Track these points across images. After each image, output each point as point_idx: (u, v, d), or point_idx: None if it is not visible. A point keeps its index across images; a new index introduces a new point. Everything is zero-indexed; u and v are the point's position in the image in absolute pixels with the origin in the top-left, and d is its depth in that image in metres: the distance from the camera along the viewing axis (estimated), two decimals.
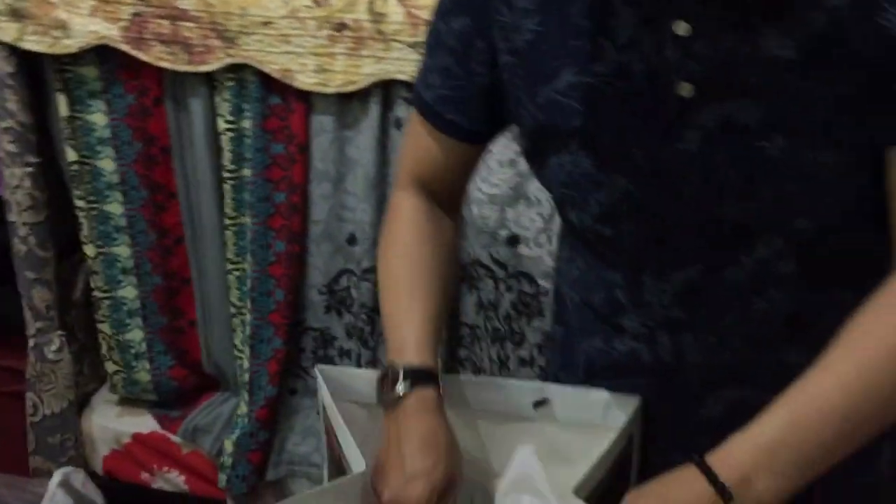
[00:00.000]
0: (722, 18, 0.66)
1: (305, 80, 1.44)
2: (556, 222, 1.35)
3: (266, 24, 1.42)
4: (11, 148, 1.55)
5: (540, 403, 0.90)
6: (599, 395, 0.87)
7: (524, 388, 0.92)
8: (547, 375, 1.02)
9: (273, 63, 1.44)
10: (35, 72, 1.56)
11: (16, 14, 1.48)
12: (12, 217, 1.58)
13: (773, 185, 0.70)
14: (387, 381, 0.79)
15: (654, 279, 0.79)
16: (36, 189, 1.58)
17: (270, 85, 1.47)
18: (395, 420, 0.78)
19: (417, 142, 0.88)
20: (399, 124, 1.46)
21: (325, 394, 0.90)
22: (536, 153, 0.81)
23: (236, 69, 1.47)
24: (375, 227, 1.51)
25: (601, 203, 0.77)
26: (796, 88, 0.66)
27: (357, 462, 0.79)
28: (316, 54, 1.43)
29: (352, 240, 1.54)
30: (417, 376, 0.78)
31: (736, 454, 0.66)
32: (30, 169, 1.56)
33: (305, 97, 1.47)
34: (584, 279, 0.87)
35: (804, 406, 0.66)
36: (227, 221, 1.57)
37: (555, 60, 0.74)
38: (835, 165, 0.68)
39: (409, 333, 0.82)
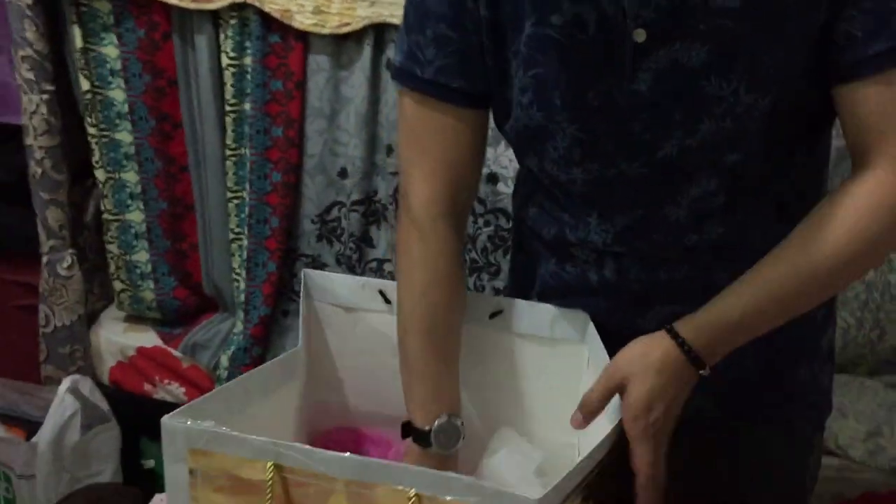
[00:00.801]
0: None
1: (303, 21, 1.54)
2: None
3: None
4: (29, 75, 1.65)
5: (495, 314, 1.01)
6: (548, 310, 0.98)
7: (482, 300, 1.04)
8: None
9: (273, 3, 1.54)
10: (52, 3, 1.66)
11: None
12: (29, 141, 1.69)
13: (712, 121, 0.78)
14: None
15: (599, 220, 0.88)
16: (51, 115, 1.69)
17: (271, 24, 1.57)
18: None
19: (430, 139, 0.88)
20: (390, 65, 1.56)
21: (306, 299, 1.02)
22: (501, 105, 0.88)
23: (240, 8, 1.57)
24: (365, 162, 1.61)
25: (556, 148, 0.84)
26: (738, 35, 0.75)
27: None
28: None
29: (343, 173, 1.64)
30: (417, 437, 0.87)
31: (705, 329, 0.80)
32: (46, 96, 1.67)
33: (303, 37, 1.57)
34: (539, 216, 0.96)
35: (763, 291, 0.79)
36: (228, 152, 1.68)
37: (521, 14, 0.80)
38: (768, 105, 0.77)
39: (418, 393, 0.88)
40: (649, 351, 0.80)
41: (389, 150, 1.60)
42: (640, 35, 0.76)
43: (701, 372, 0.80)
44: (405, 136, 0.91)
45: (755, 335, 0.82)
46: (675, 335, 0.80)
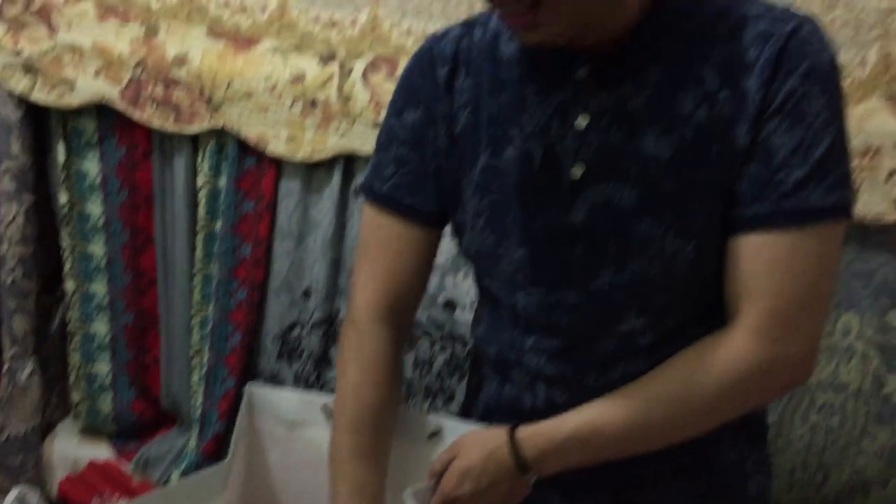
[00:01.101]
0: (615, 118, 0.82)
1: (277, 148, 1.61)
2: None
3: (248, 95, 1.61)
4: (10, 187, 1.71)
5: (434, 434, 1.03)
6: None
7: (422, 419, 1.05)
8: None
9: (250, 130, 1.62)
10: (40, 119, 1.74)
11: (29, 69, 1.67)
12: (2, 249, 1.73)
13: (641, 261, 0.84)
14: None
15: (535, 344, 0.93)
16: (28, 225, 1.73)
17: (247, 149, 1.64)
18: None
19: (379, 247, 0.95)
20: (357, 193, 1.63)
21: (244, 413, 1.04)
22: (458, 229, 0.95)
23: (218, 133, 1.65)
24: (329, 283, 1.65)
25: (502, 273, 0.91)
26: (666, 182, 0.82)
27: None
28: (288, 125, 1.60)
29: (307, 293, 1.68)
30: None
31: (540, 438, 0.87)
32: (24, 206, 1.72)
33: (277, 162, 1.64)
34: (485, 334, 1.01)
35: (597, 425, 0.85)
36: (197, 268, 1.72)
37: (477, 146, 0.89)
38: (693, 252, 0.83)
39: (341, 492, 0.90)
40: (490, 438, 0.88)
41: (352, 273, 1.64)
42: (577, 172, 0.84)
43: (527, 476, 0.86)
44: (359, 245, 0.99)
45: (599, 456, 0.86)
46: (512, 434, 0.88)
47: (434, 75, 0.91)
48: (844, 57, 1.37)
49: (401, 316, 0.98)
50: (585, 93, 0.83)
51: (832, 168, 0.79)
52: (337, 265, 1.66)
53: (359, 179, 1.62)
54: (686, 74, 0.81)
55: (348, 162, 1.62)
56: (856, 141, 1.33)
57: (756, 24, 0.80)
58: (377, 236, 0.96)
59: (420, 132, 0.92)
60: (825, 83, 0.79)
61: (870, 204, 1.33)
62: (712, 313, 0.86)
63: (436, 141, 0.92)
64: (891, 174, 1.33)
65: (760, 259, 0.80)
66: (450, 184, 0.92)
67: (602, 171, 0.83)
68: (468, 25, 0.93)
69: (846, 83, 1.36)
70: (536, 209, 0.87)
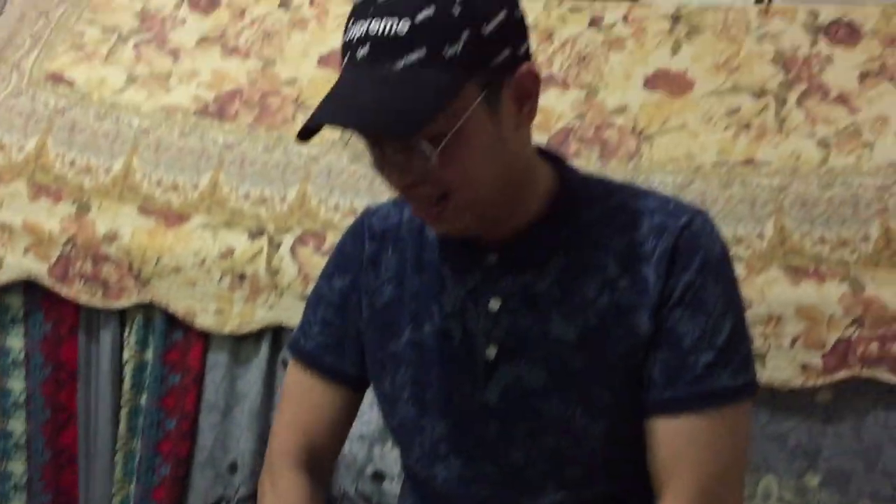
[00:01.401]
0: (524, 302, 0.86)
1: (205, 321, 1.63)
2: None
3: (177, 270, 1.63)
4: None
5: None
6: None
7: None
8: None
9: (178, 304, 1.64)
10: None
11: None
12: None
13: (553, 437, 0.87)
14: None
15: None
16: None
17: (174, 323, 1.65)
18: None
19: (297, 400, 0.98)
20: (286, 364, 1.63)
21: None
22: (382, 399, 0.96)
23: (145, 307, 1.66)
24: (255, 457, 1.63)
25: (423, 445, 0.92)
26: (572, 364, 0.85)
27: None
28: (216, 299, 1.63)
29: (233, 468, 1.65)
30: None
31: None
32: None
33: (204, 335, 1.65)
34: None
35: None
36: (119, 444, 1.69)
37: (400, 319, 0.92)
38: (603, 429, 0.86)
39: None
40: None
41: None
42: (491, 352, 0.87)
43: None
44: (282, 395, 1.00)
45: None
46: None
47: (363, 248, 0.96)
48: (743, 231, 1.46)
49: (316, 467, 0.97)
50: (496, 278, 0.87)
51: (736, 351, 0.84)
52: (264, 438, 1.64)
53: (286, 351, 1.63)
54: (588, 262, 0.86)
55: (276, 334, 1.64)
56: (759, 309, 1.41)
57: (652, 218, 0.86)
58: (298, 389, 0.98)
59: (346, 298, 0.96)
60: (718, 273, 0.85)
61: (777, 370, 1.39)
62: (632, 485, 0.88)
63: (360, 310, 0.95)
64: (794, 340, 1.39)
65: (681, 439, 0.84)
66: (372, 354, 0.95)
67: (513, 352, 0.86)
68: (400, 205, 0.96)
69: (747, 255, 1.45)
70: (455, 385, 0.89)
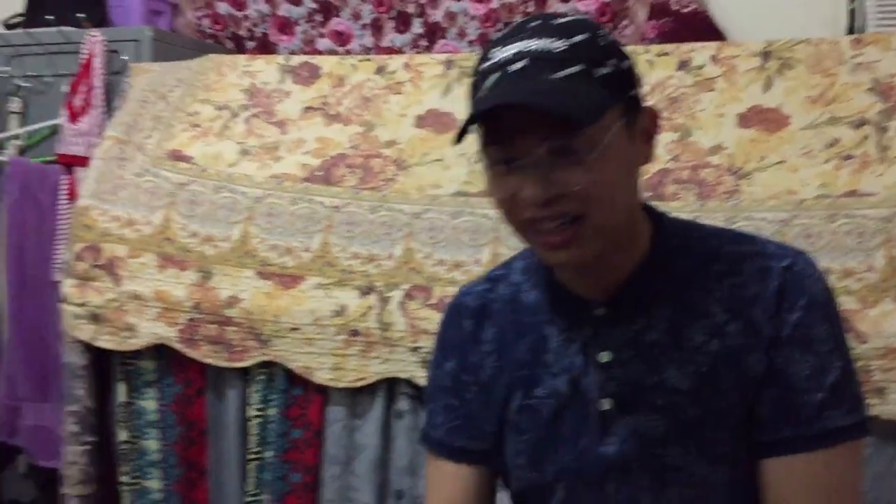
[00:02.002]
0: (635, 352, 0.88)
1: (323, 376, 1.71)
2: None
3: (293, 329, 1.72)
4: (74, 428, 1.81)
5: None
6: None
7: None
8: None
9: (297, 361, 1.72)
10: (102, 362, 1.86)
11: (94, 318, 1.81)
12: (65, 489, 1.80)
13: (676, 487, 0.87)
14: None
15: None
16: (90, 465, 1.82)
17: (294, 379, 1.74)
18: None
19: (438, 489, 1.00)
20: (400, 415, 1.69)
21: None
22: (502, 471, 0.98)
23: (267, 365, 1.75)
24: None
25: None
26: (688, 412, 0.86)
27: None
28: (333, 355, 1.70)
29: None
30: None
31: None
32: (87, 447, 1.81)
33: (322, 390, 1.73)
34: None
35: None
36: (248, 499, 1.77)
37: (507, 389, 0.95)
38: (725, 476, 0.86)
39: None
40: None
41: (399, 495, 1.68)
42: (605, 404, 0.89)
43: None
44: (426, 491, 1.03)
45: None
46: None
47: (460, 328, 1.00)
48: (853, 263, 1.45)
49: None
50: (605, 330, 0.89)
51: (847, 390, 0.85)
52: (384, 489, 1.70)
53: (401, 403, 1.69)
54: (693, 309, 0.88)
55: (390, 386, 1.70)
56: (875, 342, 1.38)
57: (753, 262, 0.88)
58: (437, 478, 1.01)
59: (458, 379, 0.99)
60: (825, 312, 0.87)
61: None
62: None
63: (471, 386, 0.98)
64: None
65: (793, 480, 0.85)
66: (488, 428, 0.97)
67: (629, 403, 0.88)
68: (492, 280, 1.01)
69: (858, 287, 1.44)
70: (571, 444, 0.90)
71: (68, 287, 1.82)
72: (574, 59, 0.79)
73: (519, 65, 0.79)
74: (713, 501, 0.88)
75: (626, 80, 0.83)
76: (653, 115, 0.86)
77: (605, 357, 0.89)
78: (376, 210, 1.79)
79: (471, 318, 0.99)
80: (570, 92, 0.78)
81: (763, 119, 1.67)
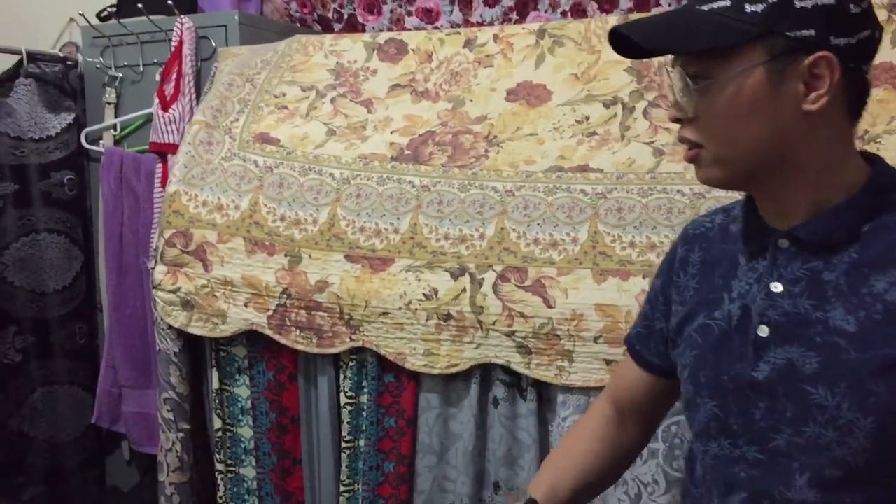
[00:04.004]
0: (807, 288, 0.89)
1: (415, 363, 1.64)
2: None
3: (384, 314, 1.66)
4: (169, 416, 1.81)
5: None
6: None
7: None
8: None
9: (388, 347, 1.66)
10: (196, 350, 1.85)
11: (186, 305, 1.80)
12: (161, 477, 1.80)
13: (816, 426, 0.86)
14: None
15: (717, 499, 0.96)
16: (184, 452, 1.81)
17: (385, 365, 1.68)
18: None
19: (621, 367, 1.19)
20: (496, 403, 1.61)
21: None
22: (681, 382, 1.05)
23: (358, 351, 1.70)
24: (473, 499, 1.61)
25: (699, 423, 0.98)
26: (847, 354, 0.85)
27: None
28: (425, 340, 1.64)
29: None
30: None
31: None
32: (181, 434, 1.80)
33: (415, 376, 1.66)
34: (685, 487, 1.07)
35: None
36: (343, 488, 1.72)
37: (698, 307, 1.00)
38: (871, 427, 0.83)
39: (539, 479, 1.13)
40: None
41: (497, 486, 1.60)
42: (763, 330, 0.90)
43: None
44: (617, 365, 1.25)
45: None
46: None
47: (675, 251, 1.08)
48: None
49: (618, 420, 1.15)
50: (783, 262, 0.91)
51: None
52: (481, 480, 1.62)
53: (496, 390, 1.61)
54: (882, 259, 0.86)
55: (485, 372, 1.62)
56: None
57: None
58: (620, 365, 1.19)
59: (657, 296, 1.09)
60: None
61: None
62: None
63: (669, 306, 1.06)
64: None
65: None
66: (674, 342, 1.04)
67: (787, 335, 0.89)
68: (720, 210, 1.07)
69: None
70: (727, 364, 0.93)
71: (160, 274, 1.82)
72: None
73: None
74: (852, 451, 0.85)
75: (793, 20, 0.84)
76: (829, 64, 0.84)
77: (776, 287, 0.91)
78: (467, 188, 1.71)
79: (685, 243, 1.07)
80: (701, 22, 0.86)
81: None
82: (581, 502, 1.14)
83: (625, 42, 0.90)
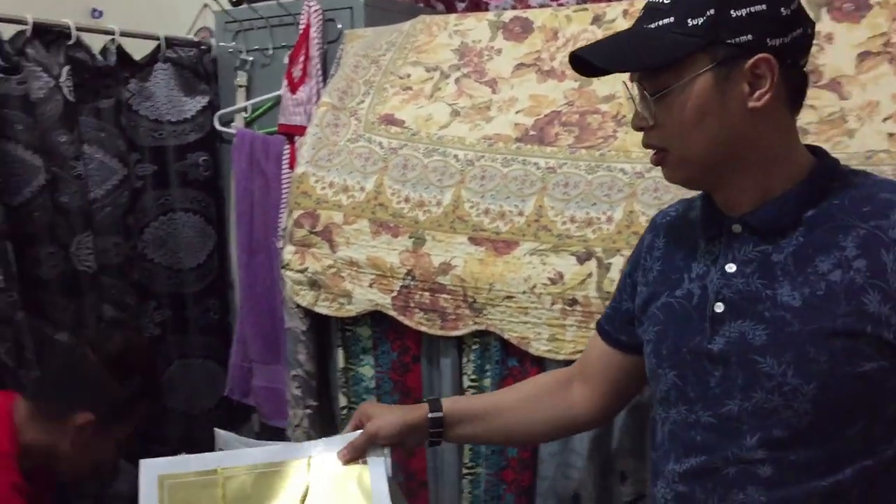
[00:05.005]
0: (758, 268, 1.00)
1: (539, 347, 1.61)
2: None
3: (508, 297, 1.64)
4: (297, 392, 1.85)
5: None
6: None
7: None
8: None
9: (512, 331, 1.64)
10: (323, 329, 1.89)
11: (313, 284, 1.83)
12: None
13: (763, 392, 0.97)
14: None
15: (674, 462, 1.07)
16: (311, 428, 1.85)
17: (509, 349, 1.66)
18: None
19: (589, 343, 1.33)
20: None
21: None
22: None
23: (481, 335, 1.69)
24: (599, 490, 1.58)
25: (661, 391, 1.10)
26: (792, 326, 0.95)
27: None
28: (549, 325, 1.61)
29: (576, 499, 1.61)
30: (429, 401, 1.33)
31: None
32: (309, 411, 1.85)
33: (539, 361, 1.64)
34: (653, 451, 1.17)
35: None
36: (465, 470, 1.72)
37: (661, 287, 1.12)
38: (813, 392, 0.94)
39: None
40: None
41: (623, 476, 1.56)
42: (718, 307, 1.02)
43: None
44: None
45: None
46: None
47: (643, 239, 1.21)
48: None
49: (569, 388, 1.31)
50: (737, 245, 1.02)
51: None
52: (606, 469, 1.58)
53: None
54: (827, 241, 0.96)
55: None
56: None
57: None
58: (591, 340, 1.33)
59: (625, 280, 1.24)
60: None
61: None
62: (838, 459, 0.96)
63: (634, 288, 1.19)
64: None
65: None
66: (639, 320, 1.16)
67: (739, 311, 1.00)
68: (683, 201, 1.19)
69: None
70: (686, 338, 1.05)
71: (289, 253, 1.86)
72: (670, 11, 0.95)
73: (642, 14, 0.99)
74: (796, 414, 0.95)
75: (731, 28, 0.93)
76: (766, 65, 0.94)
77: (730, 268, 1.02)
78: (594, 170, 1.66)
79: (652, 231, 1.20)
80: (650, 39, 0.96)
81: None
82: (494, 433, 1.33)
83: (585, 61, 1.00)
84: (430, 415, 1.30)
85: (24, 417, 1.55)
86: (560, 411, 1.30)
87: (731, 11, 0.93)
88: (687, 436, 1.05)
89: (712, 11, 0.93)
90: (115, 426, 1.55)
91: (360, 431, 1.28)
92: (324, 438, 1.33)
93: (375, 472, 1.26)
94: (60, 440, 1.52)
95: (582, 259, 1.59)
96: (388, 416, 1.29)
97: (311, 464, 1.27)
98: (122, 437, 1.62)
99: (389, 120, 1.90)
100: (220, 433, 1.33)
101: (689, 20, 0.94)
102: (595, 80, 1.78)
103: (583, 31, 1.86)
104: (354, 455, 1.27)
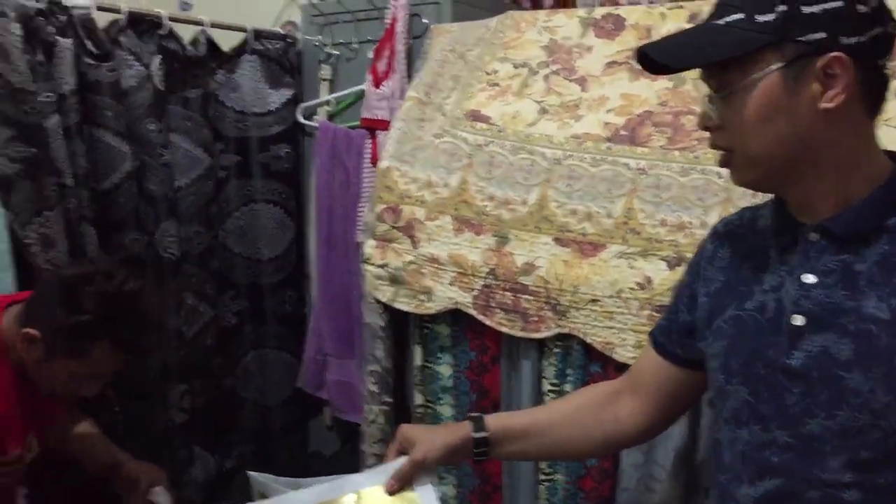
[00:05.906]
0: (840, 279, 0.94)
1: (624, 354, 1.57)
2: None
3: (593, 301, 1.60)
4: (374, 388, 1.84)
5: None
6: None
7: None
8: None
9: (596, 336, 1.59)
10: (401, 326, 1.87)
11: (394, 280, 1.82)
12: (364, 446, 1.84)
13: (850, 410, 0.91)
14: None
15: (747, 486, 1.00)
16: (387, 424, 1.84)
17: (592, 354, 1.61)
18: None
19: (642, 356, 1.27)
20: (712, 403, 1.50)
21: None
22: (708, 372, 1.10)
23: (563, 338, 1.64)
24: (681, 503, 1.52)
25: (729, 409, 1.03)
26: (881, 341, 0.90)
27: None
28: (636, 331, 1.56)
29: None
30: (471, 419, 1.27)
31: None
32: (385, 407, 1.83)
33: (622, 368, 1.59)
34: (715, 478, 1.10)
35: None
36: (542, 477, 1.68)
37: (727, 299, 1.05)
38: None
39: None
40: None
41: (707, 492, 1.50)
42: (797, 320, 0.95)
43: None
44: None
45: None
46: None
47: (704, 248, 1.15)
48: None
49: (634, 396, 1.24)
50: (815, 254, 0.96)
51: None
52: (691, 486, 1.53)
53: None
54: None
55: None
56: None
57: None
58: (646, 353, 1.25)
59: (683, 290, 1.17)
60: None
61: None
62: None
63: (694, 300, 1.12)
64: None
65: None
66: (702, 333, 1.09)
67: (821, 323, 0.94)
68: (748, 209, 1.13)
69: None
70: (760, 353, 0.99)
71: (370, 248, 1.84)
72: (740, 7, 0.92)
73: (713, 10, 0.96)
74: (884, 434, 0.90)
75: (803, 25, 0.89)
76: (840, 65, 0.89)
77: (809, 278, 0.95)
78: (687, 172, 1.61)
79: (713, 241, 1.13)
80: (718, 35, 0.92)
81: None
82: (541, 449, 1.28)
83: (651, 59, 0.97)
84: (473, 435, 1.24)
85: (10, 320, 1.54)
86: (607, 425, 1.24)
87: (803, 7, 0.89)
88: (761, 457, 0.99)
89: (783, 7, 0.89)
90: (60, 354, 1.50)
91: (403, 458, 1.23)
92: (367, 470, 1.30)
93: (426, 500, 1.21)
94: (21, 347, 1.51)
95: (672, 264, 1.54)
96: (431, 440, 1.24)
97: (362, 495, 1.22)
98: (82, 373, 1.54)
99: (476, 116, 1.87)
100: (254, 477, 1.26)
101: (758, 16, 0.90)
102: (689, 80, 1.72)
103: (678, 29, 1.80)
104: (402, 485, 1.22)
